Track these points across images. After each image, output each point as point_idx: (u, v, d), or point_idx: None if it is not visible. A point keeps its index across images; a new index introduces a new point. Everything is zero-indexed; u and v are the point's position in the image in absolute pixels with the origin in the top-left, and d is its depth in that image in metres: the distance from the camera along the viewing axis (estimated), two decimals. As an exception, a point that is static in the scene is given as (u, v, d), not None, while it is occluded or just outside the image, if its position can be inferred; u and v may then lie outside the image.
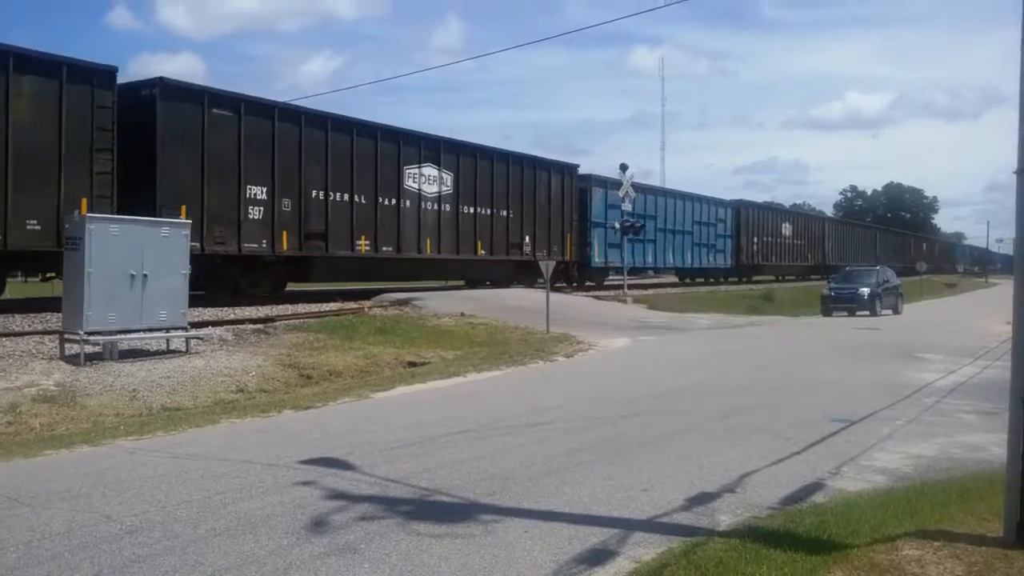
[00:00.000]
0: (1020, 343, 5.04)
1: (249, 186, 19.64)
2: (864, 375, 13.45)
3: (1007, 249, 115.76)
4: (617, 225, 31.95)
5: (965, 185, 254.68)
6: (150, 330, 13.09)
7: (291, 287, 24.88)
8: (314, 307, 20.24)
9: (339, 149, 22.10)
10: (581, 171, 32.93)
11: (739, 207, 45.99)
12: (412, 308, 20.99)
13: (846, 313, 29.00)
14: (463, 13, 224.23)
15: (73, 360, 11.93)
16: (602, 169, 36.57)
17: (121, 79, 17.12)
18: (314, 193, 21.40)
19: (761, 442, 8.24)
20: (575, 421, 9.36)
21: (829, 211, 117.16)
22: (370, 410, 10.22)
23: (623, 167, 32.48)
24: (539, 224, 30.08)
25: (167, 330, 13.33)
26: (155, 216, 15.96)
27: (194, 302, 15.30)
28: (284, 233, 20.55)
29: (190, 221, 14.20)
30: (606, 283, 35.51)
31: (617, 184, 33.02)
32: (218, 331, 15.23)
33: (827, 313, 29.51)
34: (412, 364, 14.59)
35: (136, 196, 16.95)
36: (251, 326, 16.16)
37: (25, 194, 15.20)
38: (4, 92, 14.95)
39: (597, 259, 33.38)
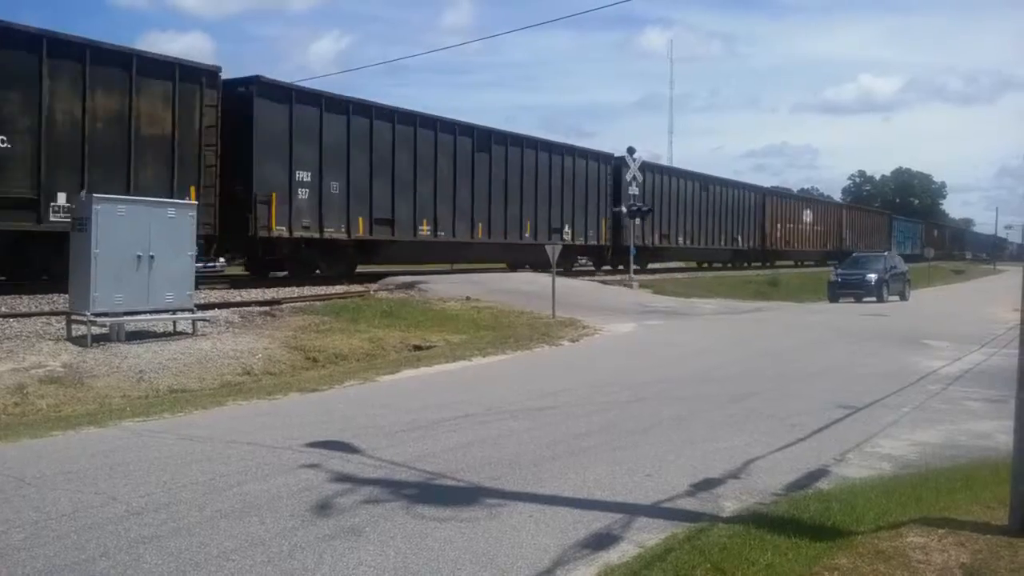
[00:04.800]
0: (1028, 331, 4.99)
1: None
2: (870, 362, 13.43)
3: (1016, 236, 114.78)
4: (624, 209, 31.82)
5: (976, 170, 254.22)
6: (157, 312, 13.10)
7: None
8: (320, 290, 20.25)
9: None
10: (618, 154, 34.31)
11: None
12: (418, 291, 20.98)
13: (853, 299, 28.93)
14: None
15: (80, 341, 11.96)
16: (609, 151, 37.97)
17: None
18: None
19: (766, 428, 8.24)
20: (580, 406, 9.36)
21: (837, 196, 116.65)
22: (376, 393, 10.23)
23: (630, 150, 32.35)
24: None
25: (174, 312, 13.33)
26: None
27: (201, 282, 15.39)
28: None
29: (197, 203, 14.17)
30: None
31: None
32: (224, 313, 15.26)
33: (834, 299, 29.46)
34: (418, 348, 14.59)
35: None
36: (257, 308, 16.18)
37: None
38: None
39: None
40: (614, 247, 34.14)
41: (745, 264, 47.06)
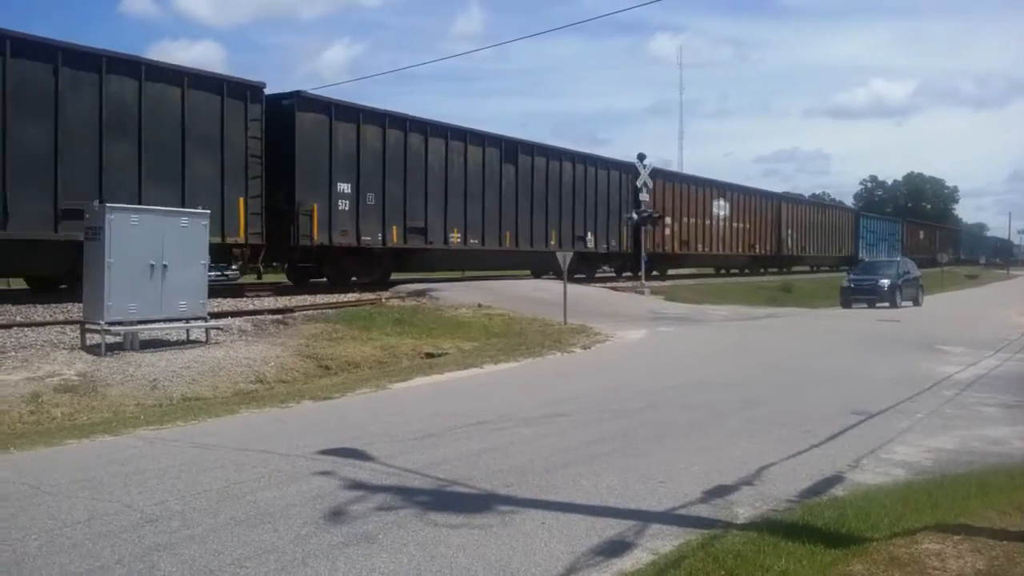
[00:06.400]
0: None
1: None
2: (884, 367, 13.35)
3: None
4: (635, 216, 31.78)
5: (988, 174, 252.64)
6: (170, 320, 13.17)
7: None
8: (332, 298, 20.31)
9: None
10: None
11: None
12: (429, 299, 21.04)
13: (866, 305, 28.80)
14: (483, 1, 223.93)
15: (94, 350, 12.04)
16: (620, 157, 34.70)
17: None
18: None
19: (779, 434, 8.20)
20: (592, 413, 9.35)
21: (849, 201, 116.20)
22: (388, 401, 10.25)
23: (641, 156, 32.31)
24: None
25: (187, 320, 13.41)
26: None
27: (216, 293, 15.42)
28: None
29: (209, 211, 14.22)
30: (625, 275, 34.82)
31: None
32: (237, 321, 15.32)
33: (847, 305, 29.32)
34: (429, 355, 14.62)
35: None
36: (270, 316, 16.26)
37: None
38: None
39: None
40: (272, 247, 20.55)
41: (624, 273, 35.77)
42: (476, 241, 25.97)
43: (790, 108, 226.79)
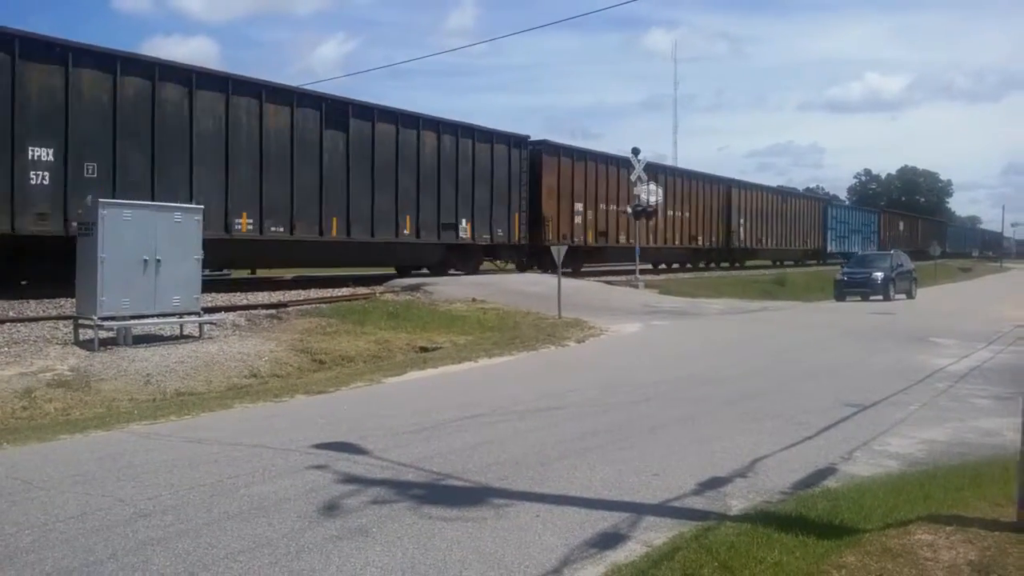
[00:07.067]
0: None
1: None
2: (877, 360, 13.39)
3: (1022, 234, 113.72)
4: (629, 210, 31.76)
5: (982, 168, 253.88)
6: (164, 315, 13.14)
7: (305, 272, 24.95)
8: (326, 292, 20.29)
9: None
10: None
11: None
12: (423, 293, 21.01)
13: (859, 298, 28.87)
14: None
15: (87, 345, 12.00)
16: (615, 152, 31.42)
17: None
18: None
19: (773, 427, 8.22)
20: (586, 406, 9.36)
21: (843, 195, 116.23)
22: (382, 395, 10.24)
23: (635, 151, 32.27)
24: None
25: (180, 315, 13.38)
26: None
27: (206, 287, 15.37)
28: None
29: (203, 207, 14.18)
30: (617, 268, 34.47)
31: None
32: (231, 316, 15.29)
33: (840, 298, 29.38)
34: (424, 349, 14.61)
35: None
36: (264, 311, 16.23)
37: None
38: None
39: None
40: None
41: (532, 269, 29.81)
42: (281, 229, 19.95)
43: (785, 102, 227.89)
